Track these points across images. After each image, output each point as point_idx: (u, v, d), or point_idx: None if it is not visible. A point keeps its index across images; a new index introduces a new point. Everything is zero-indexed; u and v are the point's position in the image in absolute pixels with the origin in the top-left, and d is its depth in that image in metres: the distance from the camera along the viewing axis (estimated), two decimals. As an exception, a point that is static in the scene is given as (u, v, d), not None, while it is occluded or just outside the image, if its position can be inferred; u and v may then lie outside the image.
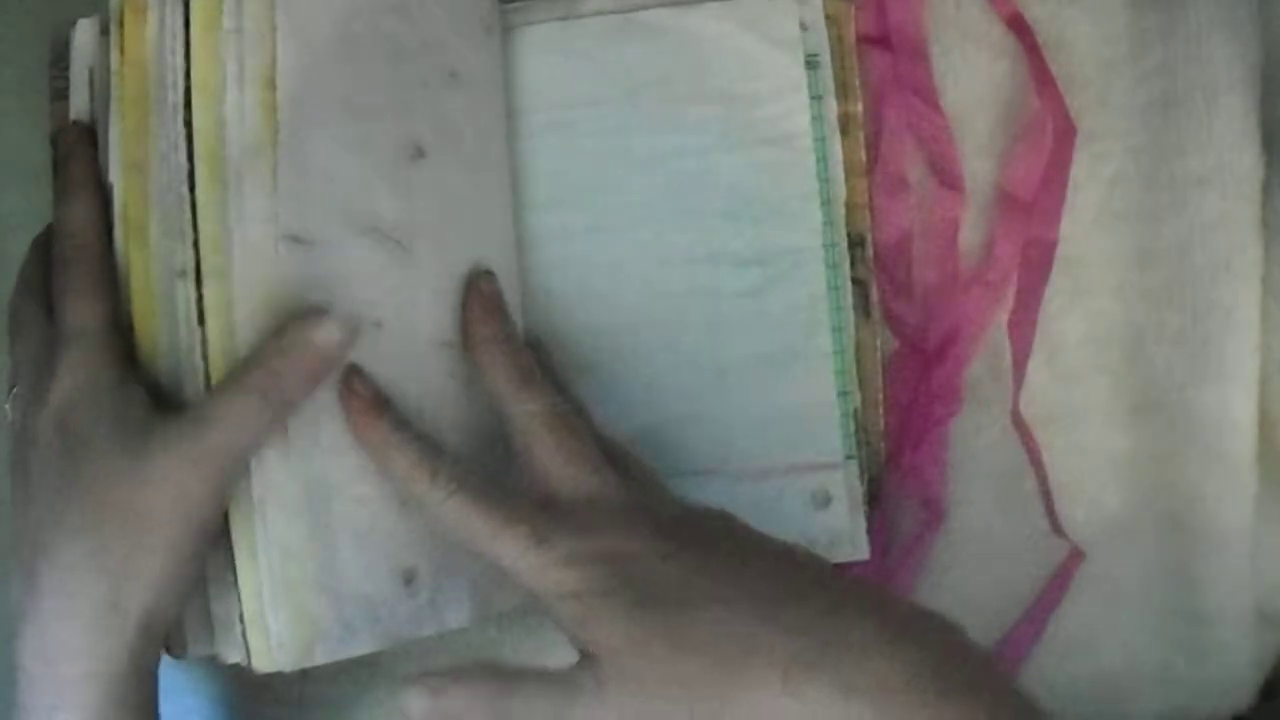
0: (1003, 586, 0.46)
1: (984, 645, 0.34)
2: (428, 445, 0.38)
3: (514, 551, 0.35)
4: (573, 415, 0.39)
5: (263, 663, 0.38)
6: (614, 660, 0.33)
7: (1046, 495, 0.45)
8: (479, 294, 0.41)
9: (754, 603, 0.33)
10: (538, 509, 0.36)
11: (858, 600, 0.34)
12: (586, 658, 0.34)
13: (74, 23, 0.41)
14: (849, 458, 0.44)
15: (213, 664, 0.42)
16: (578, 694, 0.34)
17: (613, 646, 0.33)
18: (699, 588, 0.34)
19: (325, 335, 0.37)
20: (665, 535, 0.35)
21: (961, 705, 0.31)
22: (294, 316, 0.37)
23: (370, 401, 0.38)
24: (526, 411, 0.39)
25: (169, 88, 0.38)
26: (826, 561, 0.37)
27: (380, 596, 0.39)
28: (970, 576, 0.46)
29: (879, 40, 0.45)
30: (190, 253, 0.37)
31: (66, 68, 0.42)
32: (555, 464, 0.37)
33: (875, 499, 0.45)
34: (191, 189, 0.37)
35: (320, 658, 0.38)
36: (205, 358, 0.37)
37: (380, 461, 0.38)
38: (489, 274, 0.42)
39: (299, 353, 0.37)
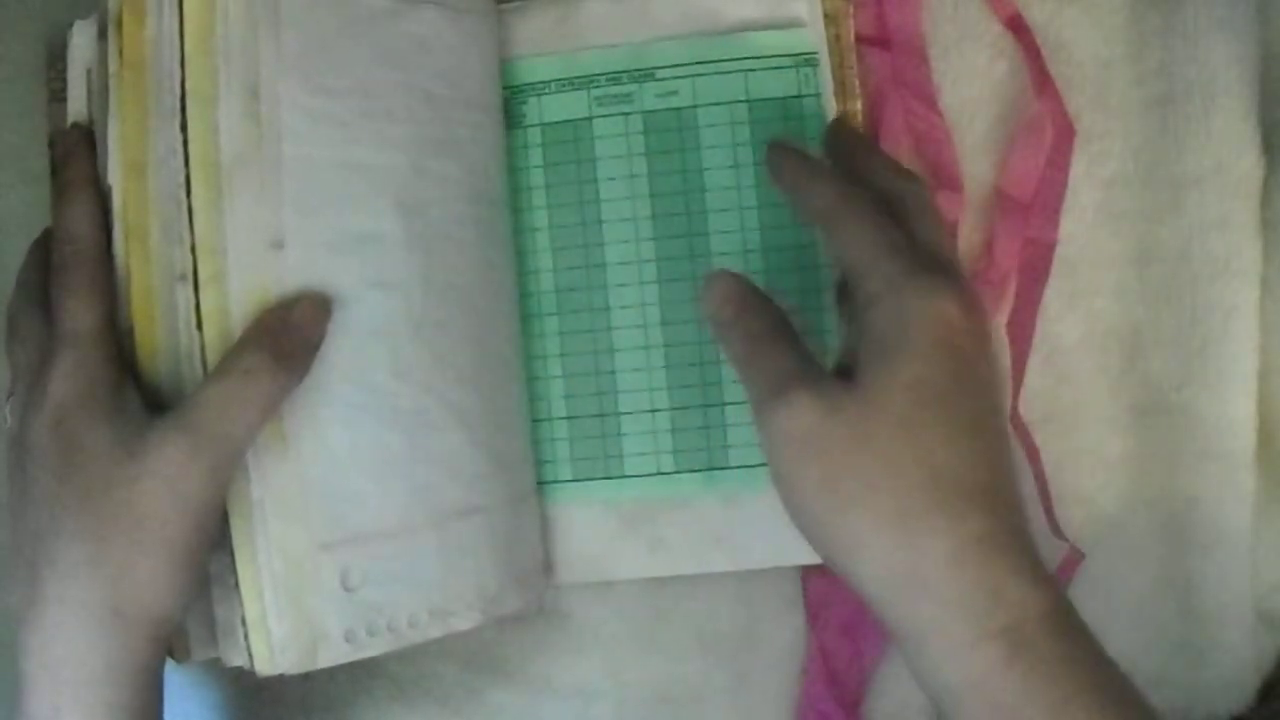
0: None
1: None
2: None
3: (889, 259, 0.35)
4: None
5: (265, 666, 0.38)
6: (943, 360, 0.34)
7: (1045, 496, 0.45)
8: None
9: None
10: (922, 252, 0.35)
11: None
12: (877, 362, 0.34)
13: (71, 24, 0.41)
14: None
15: (213, 667, 0.42)
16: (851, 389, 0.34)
17: (925, 350, 0.34)
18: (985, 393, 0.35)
19: (300, 312, 0.37)
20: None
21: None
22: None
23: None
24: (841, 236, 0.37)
25: (166, 91, 0.38)
26: None
27: (382, 600, 0.39)
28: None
29: (878, 41, 0.45)
30: (188, 256, 0.37)
31: (64, 69, 0.41)
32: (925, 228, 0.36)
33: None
34: (188, 194, 0.37)
35: (323, 661, 0.38)
36: (204, 360, 0.37)
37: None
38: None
39: (279, 333, 0.37)
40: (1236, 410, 0.44)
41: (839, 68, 0.45)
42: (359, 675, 0.48)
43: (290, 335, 0.37)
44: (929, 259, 0.35)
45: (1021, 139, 0.44)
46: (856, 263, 0.35)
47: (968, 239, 0.45)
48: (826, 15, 0.45)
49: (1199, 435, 0.45)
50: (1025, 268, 0.45)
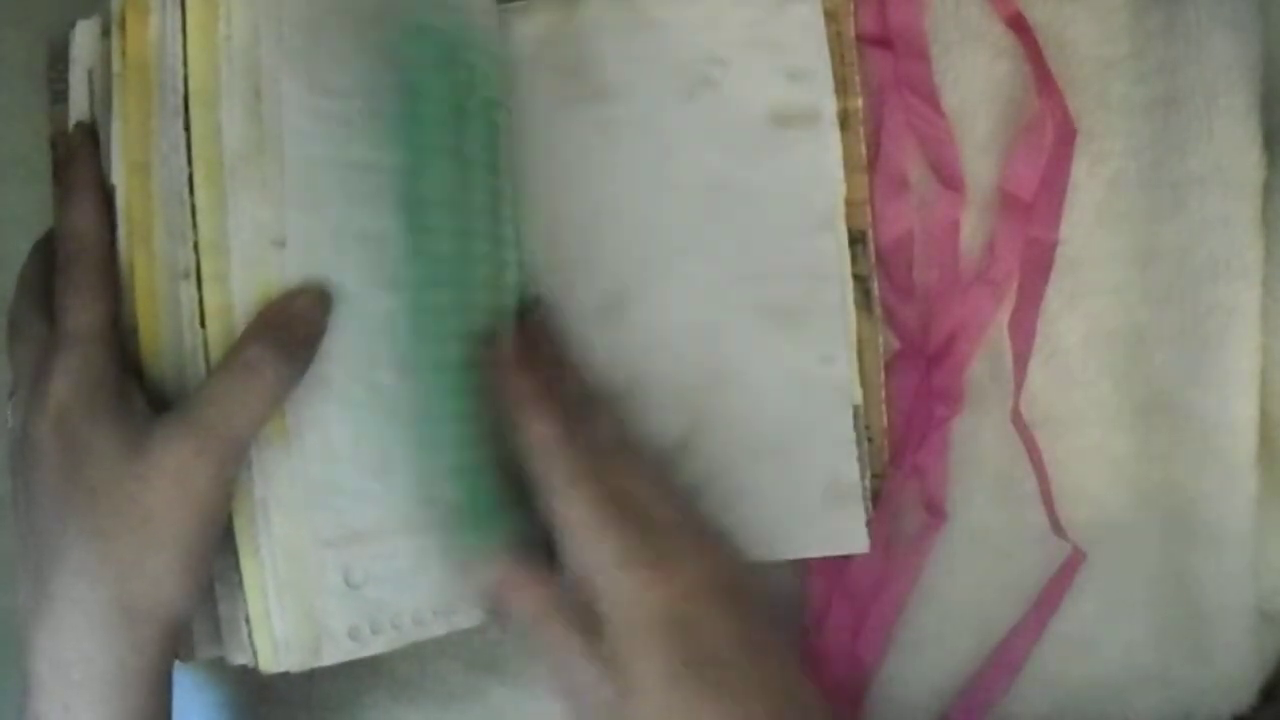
0: (1004, 587, 0.46)
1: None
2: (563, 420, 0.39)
3: (597, 559, 0.37)
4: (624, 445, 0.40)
5: (269, 664, 0.38)
6: (644, 693, 0.36)
7: (1047, 496, 0.45)
8: (499, 356, 0.42)
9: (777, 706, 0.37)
10: (637, 529, 0.38)
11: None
12: (620, 665, 0.36)
13: (72, 24, 0.41)
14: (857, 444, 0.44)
15: (216, 665, 0.42)
16: (603, 685, 0.36)
17: (648, 684, 0.36)
18: (736, 681, 0.36)
19: (300, 304, 0.38)
20: (724, 609, 0.37)
21: None
22: None
23: (513, 358, 0.41)
24: (552, 510, 0.39)
25: (169, 91, 0.38)
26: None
27: (386, 597, 0.39)
28: (971, 577, 0.46)
29: (879, 40, 0.45)
30: (191, 255, 0.37)
31: (65, 69, 0.41)
32: (632, 491, 0.39)
33: (877, 498, 0.45)
34: (191, 192, 0.37)
35: (327, 659, 0.38)
36: (208, 358, 0.37)
37: (517, 419, 0.40)
38: (500, 337, 0.42)
39: (280, 326, 0.37)
40: (1238, 410, 0.44)
41: (839, 65, 0.44)
42: (361, 674, 0.48)
43: (292, 327, 0.37)
44: (636, 537, 0.37)
45: (1023, 138, 0.44)
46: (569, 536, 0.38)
47: (969, 239, 0.45)
48: (827, 13, 0.45)
49: (1200, 435, 0.45)
50: (1026, 267, 0.45)
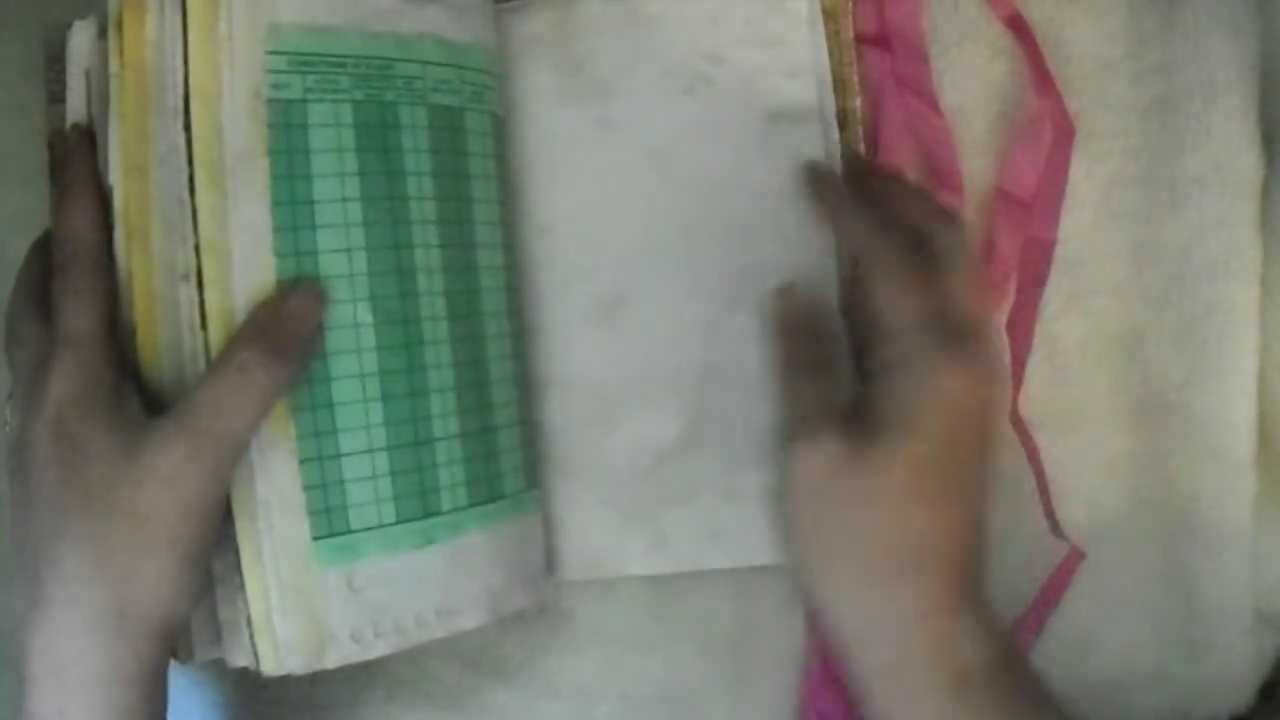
0: (1002, 586, 0.46)
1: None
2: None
3: (923, 348, 0.38)
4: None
5: (271, 667, 0.38)
6: (948, 441, 0.37)
7: (1045, 495, 0.45)
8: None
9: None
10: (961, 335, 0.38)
11: None
12: (887, 432, 0.37)
13: (69, 24, 0.41)
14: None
15: (213, 666, 0.42)
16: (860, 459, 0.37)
17: (932, 430, 0.37)
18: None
19: (293, 304, 0.37)
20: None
21: None
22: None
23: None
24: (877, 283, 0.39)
25: (169, 90, 0.38)
26: None
27: (389, 599, 0.39)
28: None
29: (877, 40, 0.45)
30: (192, 256, 0.37)
31: (62, 70, 0.41)
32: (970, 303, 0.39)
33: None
34: (192, 193, 0.37)
35: (331, 662, 0.38)
36: (208, 360, 0.37)
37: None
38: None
39: (275, 324, 0.37)
40: (1236, 410, 0.44)
41: (838, 65, 0.45)
42: (359, 675, 0.48)
43: (284, 327, 0.37)
44: (954, 329, 0.38)
45: (1021, 138, 0.44)
46: (882, 321, 0.38)
47: (967, 239, 0.45)
48: (825, 12, 0.45)
49: (1199, 434, 0.45)
50: (1025, 267, 0.45)
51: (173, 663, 0.39)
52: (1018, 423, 0.45)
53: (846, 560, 0.38)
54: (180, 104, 0.37)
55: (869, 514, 0.38)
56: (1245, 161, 0.44)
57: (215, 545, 0.37)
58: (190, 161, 0.37)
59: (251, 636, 0.38)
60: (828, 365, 0.41)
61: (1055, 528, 0.45)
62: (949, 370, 0.37)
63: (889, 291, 0.38)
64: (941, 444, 0.37)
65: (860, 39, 0.45)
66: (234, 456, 0.37)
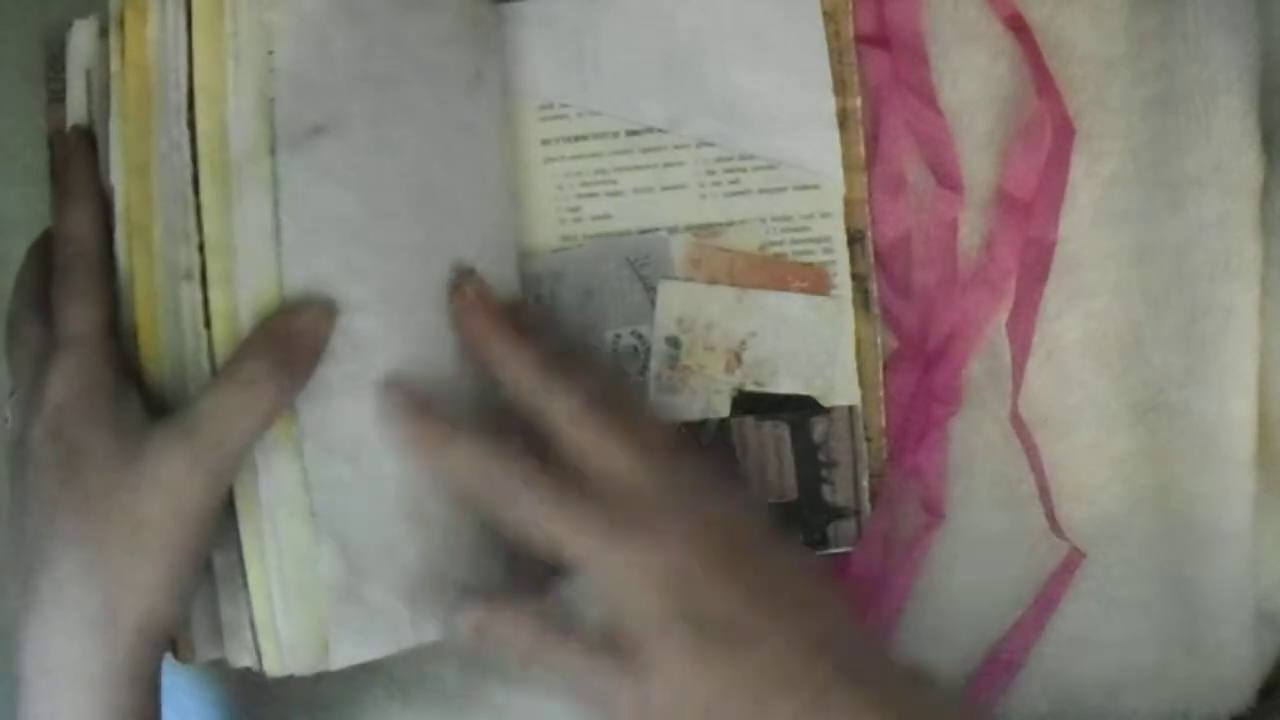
0: (1002, 586, 0.46)
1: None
2: (492, 443, 0.39)
3: (585, 546, 0.37)
4: (602, 400, 0.39)
5: (274, 667, 0.38)
6: (663, 668, 0.36)
7: (1045, 495, 0.45)
8: (464, 300, 0.41)
9: (793, 642, 0.36)
10: (604, 508, 0.37)
11: (874, 649, 0.38)
12: (630, 651, 0.36)
13: (70, 24, 0.41)
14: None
15: (212, 666, 0.42)
16: (621, 678, 0.36)
17: (665, 657, 0.36)
18: (752, 626, 0.36)
19: (304, 319, 0.37)
20: (724, 558, 0.37)
21: None
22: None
23: (478, 300, 0.40)
24: (556, 410, 0.39)
25: (172, 89, 0.37)
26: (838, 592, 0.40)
27: (391, 601, 0.39)
28: (970, 576, 0.46)
29: (877, 40, 0.45)
30: (196, 255, 0.37)
31: (63, 70, 0.41)
32: (603, 459, 0.38)
33: (876, 497, 0.45)
34: (196, 192, 0.37)
35: (334, 663, 0.38)
36: (212, 360, 0.37)
37: (492, 366, 0.40)
38: (469, 272, 0.41)
39: (284, 339, 0.37)
40: (1236, 409, 0.44)
41: (837, 65, 0.45)
42: (359, 675, 0.48)
43: (293, 343, 0.37)
44: (610, 513, 0.37)
45: (1021, 138, 0.44)
46: (542, 540, 0.37)
47: (968, 238, 0.45)
48: (825, 13, 0.45)
49: (1199, 434, 0.45)
50: (1025, 267, 0.45)
51: (173, 662, 0.39)
52: (1018, 423, 0.45)
53: None
54: (184, 102, 0.37)
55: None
56: (1245, 161, 0.44)
57: (210, 549, 0.37)
58: (194, 160, 0.37)
59: (254, 637, 0.38)
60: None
61: (1055, 528, 0.45)
62: (629, 561, 0.36)
63: (534, 510, 0.37)
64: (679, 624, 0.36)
65: (860, 39, 0.45)
66: (233, 466, 0.37)
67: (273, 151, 0.37)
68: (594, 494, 0.37)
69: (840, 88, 0.45)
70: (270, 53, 0.37)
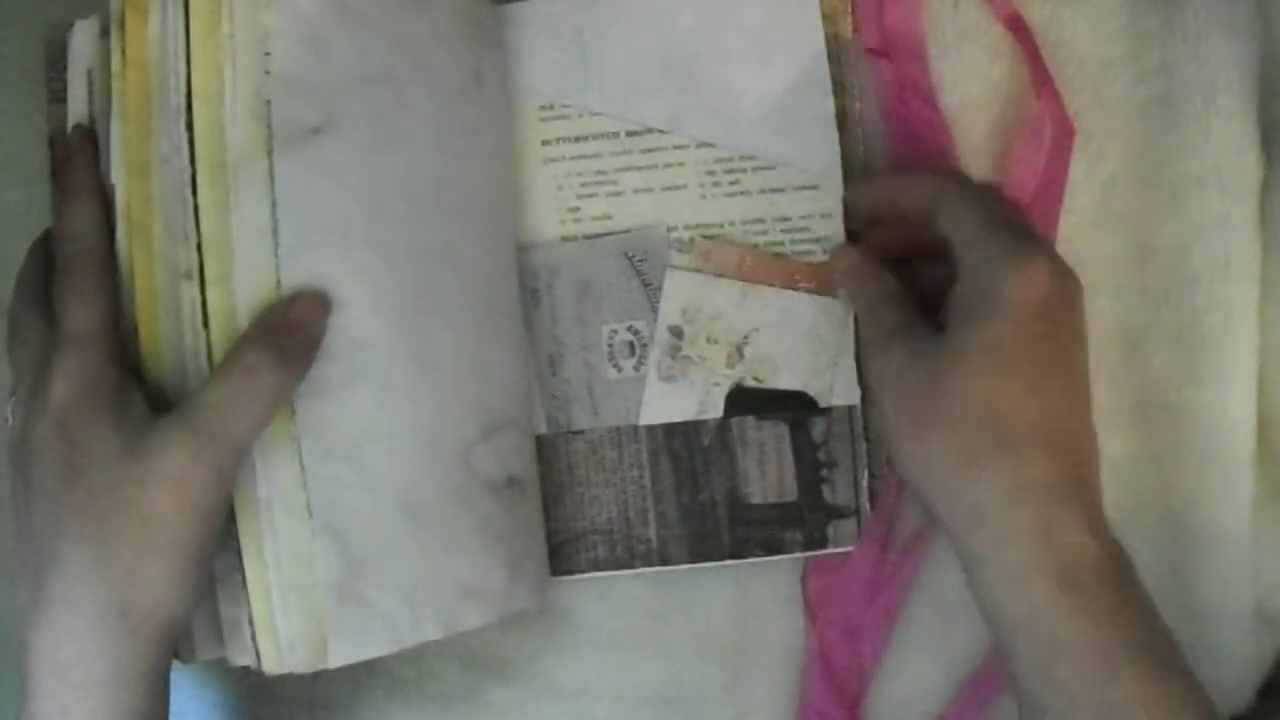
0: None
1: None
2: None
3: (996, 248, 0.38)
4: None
5: (273, 666, 0.38)
6: (1021, 322, 0.37)
7: None
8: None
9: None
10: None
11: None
12: (963, 321, 0.38)
13: (71, 24, 0.41)
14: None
15: (213, 665, 0.42)
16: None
17: (1013, 311, 0.37)
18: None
19: (299, 309, 0.37)
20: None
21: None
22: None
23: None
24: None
25: (171, 90, 0.38)
26: None
27: (390, 600, 0.39)
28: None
29: (878, 50, 0.45)
30: (194, 255, 0.37)
31: (64, 69, 0.41)
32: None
33: (875, 497, 0.45)
34: (194, 192, 0.37)
35: (333, 661, 0.38)
36: (210, 360, 0.37)
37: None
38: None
39: (282, 328, 0.37)
40: (1236, 410, 0.44)
41: (837, 66, 0.45)
42: (359, 674, 0.48)
43: (291, 332, 0.37)
44: (1021, 232, 0.39)
45: (1021, 139, 0.44)
46: (961, 237, 0.39)
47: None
48: (825, 14, 0.45)
49: (1198, 435, 0.45)
50: None
51: (174, 662, 0.39)
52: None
53: (936, 445, 0.38)
54: (183, 103, 0.37)
55: (952, 398, 0.37)
56: (1244, 161, 0.44)
57: (218, 545, 0.37)
58: (193, 160, 0.37)
59: (253, 636, 0.38)
60: (893, 296, 0.42)
61: None
62: (1023, 261, 0.37)
63: (952, 211, 0.40)
64: (1016, 328, 0.37)
65: (859, 39, 0.45)
66: (237, 458, 0.37)
67: (269, 152, 0.38)
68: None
69: (840, 88, 0.45)
70: (266, 54, 0.38)
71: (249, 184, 0.37)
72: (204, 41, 0.37)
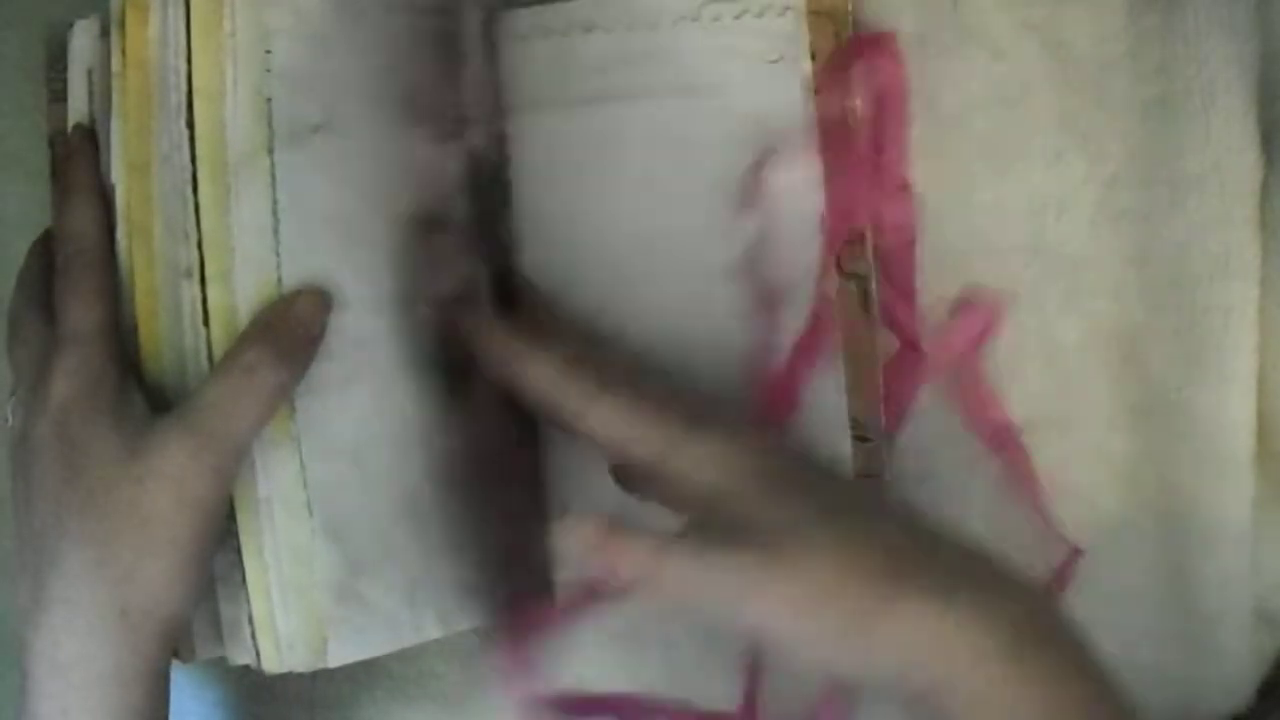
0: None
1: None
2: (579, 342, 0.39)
3: (662, 436, 0.37)
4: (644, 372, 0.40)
5: (272, 665, 0.38)
6: (793, 532, 0.35)
7: (1034, 493, 0.45)
8: (476, 328, 0.41)
9: (913, 535, 0.36)
10: (683, 407, 0.37)
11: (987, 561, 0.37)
12: (760, 534, 0.35)
13: (71, 24, 0.41)
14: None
15: (212, 664, 0.42)
16: (763, 560, 0.35)
17: (793, 518, 0.35)
18: (868, 503, 0.37)
19: (299, 307, 0.37)
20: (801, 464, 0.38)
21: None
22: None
23: (489, 317, 0.40)
24: (593, 430, 0.38)
25: (172, 89, 0.38)
26: None
27: (390, 599, 0.39)
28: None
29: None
30: (195, 253, 0.37)
31: (64, 69, 0.42)
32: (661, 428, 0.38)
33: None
34: (195, 190, 0.37)
35: (333, 660, 0.38)
36: (210, 359, 0.37)
37: (516, 379, 0.39)
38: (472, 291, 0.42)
39: (282, 326, 0.37)
40: (1236, 410, 0.44)
41: (838, 66, 0.45)
42: (358, 674, 0.48)
43: (291, 330, 0.37)
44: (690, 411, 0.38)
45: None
46: (615, 441, 0.38)
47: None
48: (825, 13, 0.44)
49: (1198, 435, 0.45)
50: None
51: (173, 661, 0.39)
52: (995, 426, 0.45)
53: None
54: (183, 102, 0.37)
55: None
56: (1244, 161, 0.44)
57: (217, 544, 0.37)
58: (193, 158, 0.37)
59: (253, 635, 0.38)
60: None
61: (1048, 526, 0.45)
62: (708, 454, 0.36)
63: (612, 410, 0.38)
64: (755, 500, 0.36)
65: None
66: (237, 457, 0.37)
67: (271, 150, 0.38)
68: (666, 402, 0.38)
69: (840, 88, 0.45)
70: (268, 52, 0.38)
71: (250, 182, 0.37)
72: (205, 40, 0.37)
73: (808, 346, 0.44)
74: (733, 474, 0.36)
